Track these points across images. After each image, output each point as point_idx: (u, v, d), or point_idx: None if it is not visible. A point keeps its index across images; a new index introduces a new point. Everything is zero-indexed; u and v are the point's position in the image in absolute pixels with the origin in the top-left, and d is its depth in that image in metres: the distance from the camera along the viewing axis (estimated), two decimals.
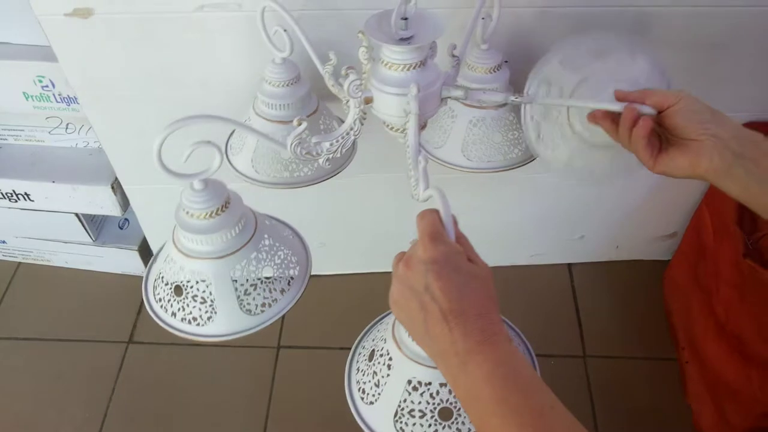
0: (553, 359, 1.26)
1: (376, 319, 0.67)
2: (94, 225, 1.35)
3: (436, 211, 0.51)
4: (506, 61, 0.90)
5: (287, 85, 0.83)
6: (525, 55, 0.93)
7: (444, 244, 0.48)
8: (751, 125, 1.04)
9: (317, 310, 1.33)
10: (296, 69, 0.84)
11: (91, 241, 1.35)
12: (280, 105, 0.84)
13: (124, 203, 1.23)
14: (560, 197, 1.24)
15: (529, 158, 0.88)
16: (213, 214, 0.58)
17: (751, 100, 1.03)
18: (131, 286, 1.39)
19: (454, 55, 0.83)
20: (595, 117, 0.66)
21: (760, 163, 0.56)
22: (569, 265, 1.42)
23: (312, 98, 0.87)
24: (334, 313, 1.33)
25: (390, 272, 0.51)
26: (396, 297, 0.49)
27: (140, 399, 1.23)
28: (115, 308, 1.37)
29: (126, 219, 1.38)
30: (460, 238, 0.51)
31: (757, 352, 0.97)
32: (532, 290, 1.38)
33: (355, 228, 1.29)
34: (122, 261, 1.38)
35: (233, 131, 0.91)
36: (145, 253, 1.37)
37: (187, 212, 0.58)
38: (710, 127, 0.58)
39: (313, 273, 1.47)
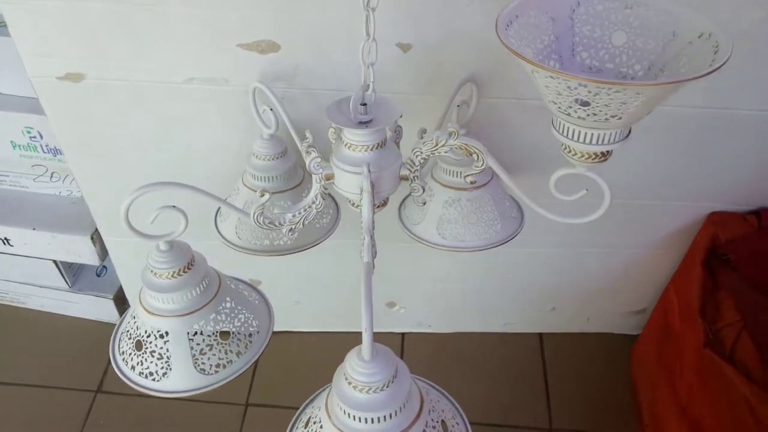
0: (520, 431, 1.27)
1: (322, 388, 0.68)
2: (72, 271, 1.35)
3: None
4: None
5: (273, 159, 0.87)
6: (500, 142, 0.97)
7: None
8: (716, 215, 1.09)
9: (288, 368, 1.34)
10: (282, 144, 0.87)
11: (67, 287, 1.35)
12: (266, 177, 0.88)
13: (103, 253, 1.24)
14: (534, 270, 1.26)
15: (502, 240, 0.90)
16: (175, 274, 0.62)
17: (716, 191, 1.07)
18: (104, 334, 1.38)
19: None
20: None
21: None
22: (540, 334, 1.44)
23: (297, 171, 0.91)
24: (305, 372, 1.33)
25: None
26: None
27: None
28: (86, 356, 1.36)
29: (104, 266, 1.38)
30: None
31: None
32: (504, 358, 1.39)
33: (330, 288, 1.30)
34: (97, 308, 1.39)
35: (225, 198, 0.94)
36: (121, 302, 1.37)
37: (152, 271, 0.62)
38: None
39: (287, 329, 1.49)
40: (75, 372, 1.33)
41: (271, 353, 1.38)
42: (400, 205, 0.94)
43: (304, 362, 1.35)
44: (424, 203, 0.78)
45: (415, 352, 1.39)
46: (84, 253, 1.23)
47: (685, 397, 1.08)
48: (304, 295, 1.33)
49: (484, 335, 1.42)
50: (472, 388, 1.33)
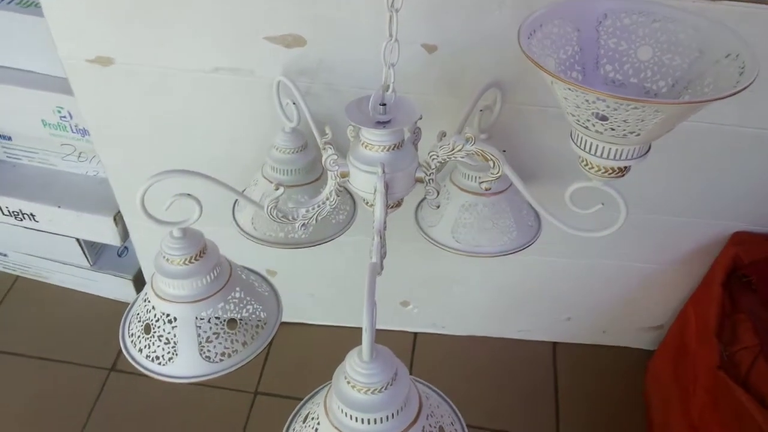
0: None
1: (323, 385, 0.69)
2: (94, 250, 1.38)
3: None
4: (504, 151, 0.93)
5: (294, 153, 0.88)
6: (524, 147, 0.96)
7: None
8: (740, 235, 1.07)
9: (299, 359, 1.34)
10: (303, 138, 0.88)
11: (88, 265, 1.38)
12: (285, 170, 0.88)
13: (124, 234, 1.26)
14: (550, 278, 1.25)
15: (517, 248, 0.89)
16: (186, 261, 0.63)
17: (742, 211, 1.05)
18: (122, 314, 1.40)
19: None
20: None
21: None
22: (554, 343, 1.42)
23: (317, 166, 0.91)
24: (316, 364, 1.34)
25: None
26: None
27: (114, 429, 1.25)
28: (102, 333, 1.39)
29: (125, 247, 1.40)
30: None
31: None
32: (516, 365, 1.38)
33: (345, 283, 1.30)
34: (117, 288, 1.41)
35: (244, 189, 0.95)
36: (140, 283, 1.39)
37: (164, 257, 0.63)
38: None
39: (300, 321, 1.49)
40: (90, 349, 1.36)
41: (283, 344, 1.40)
42: (417, 206, 0.94)
43: (315, 355, 1.36)
44: (438, 207, 0.77)
45: (426, 352, 1.38)
46: (106, 233, 1.26)
47: (697, 417, 1.06)
48: (318, 289, 1.33)
49: (497, 340, 1.41)
50: (480, 393, 1.32)
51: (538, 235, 0.89)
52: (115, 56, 0.89)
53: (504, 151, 0.90)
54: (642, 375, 1.36)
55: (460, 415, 0.66)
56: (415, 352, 1.38)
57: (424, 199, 0.93)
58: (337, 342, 1.38)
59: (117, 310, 1.43)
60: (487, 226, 0.87)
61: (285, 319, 0.72)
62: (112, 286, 1.41)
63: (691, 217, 1.07)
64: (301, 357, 1.35)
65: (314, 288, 1.33)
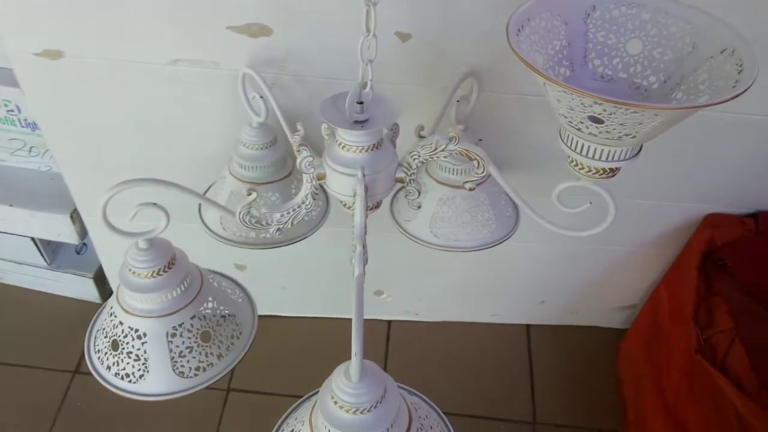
0: (503, 424, 1.26)
1: (306, 395, 0.66)
2: (50, 248, 1.31)
3: None
4: (480, 140, 0.90)
5: (262, 149, 0.84)
6: (500, 136, 0.93)
7: None
8: (713, 217, 1.07)
9: (273, 353, 1.31)
10: (271, 133, 0.84)
11: (45, 264, 1.31)
12: (253, 167, 0.84)
13: (82, 232, 1.20)
14: (524, 263, 1.24)
15: (497, 240, 0.87)
16: (154, 274, 0.59)
17: (714, 193, 1.05)
18: (84, 313, 1.35)
19: (421, 136, 0.83)
20: None
21: None
22: (528, 326, 1.42)
23: (287, 162, 0.87)
24: (290, 358, 1.31)
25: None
26: None
27: None
28: (64, 334, 1.33)
29: (84, 244, 1.34)
30: None
31: None
32: (490, 349, 1.38)
33: (317, 274, 1.27)
34: (76, 287, 1.35)
35: (211, 186, 0.90)
36: (101, 281, 1.33)
37: (130, 269, 0.59)
38: None
39: (272, 314, 1.46)
40: (52, 351, 1.30)
41: (256, 338, 1.36)
42: (392, 198, 0.91)
43: (289, 348, 1.33)
44: (419, 207, 0.74)
45: (401, 340, 1.37)
46: (63, 231, 1.19)
47: (672, 398, 1.07)
48: (290, 281, 1.30)
49: (471, 325, 1.40)
50: (456, 379, 1.32)
51: (517, 226, 0.87)
52: (65, 49, 0.83)
53: (480, 140, 0.89)
54: (614, 354, 1.37)
55: (448, 423, 0.64)
56: (390, 340, 1.37)
57: (399, 191, 0.90)
58: (310, 334, 1.35)
59: (78, 309, 1.38)
60: (466, 220, 0.84)
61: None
62: (72, 285, 1.35)
63: (663, 200, 1.07)
64: (274, 351, 1.32)
65: (285, 280, 1.29)
